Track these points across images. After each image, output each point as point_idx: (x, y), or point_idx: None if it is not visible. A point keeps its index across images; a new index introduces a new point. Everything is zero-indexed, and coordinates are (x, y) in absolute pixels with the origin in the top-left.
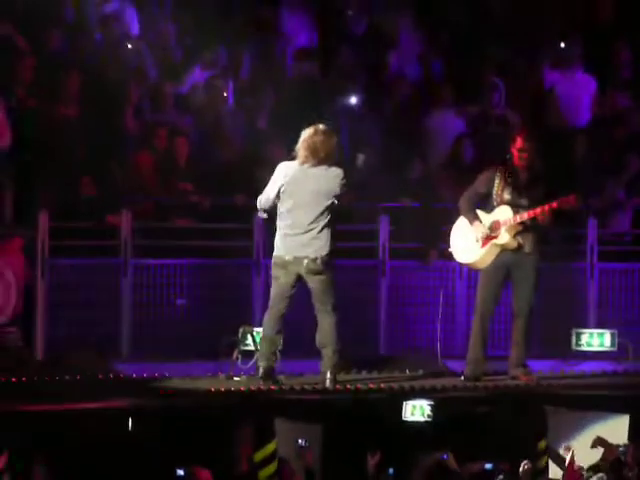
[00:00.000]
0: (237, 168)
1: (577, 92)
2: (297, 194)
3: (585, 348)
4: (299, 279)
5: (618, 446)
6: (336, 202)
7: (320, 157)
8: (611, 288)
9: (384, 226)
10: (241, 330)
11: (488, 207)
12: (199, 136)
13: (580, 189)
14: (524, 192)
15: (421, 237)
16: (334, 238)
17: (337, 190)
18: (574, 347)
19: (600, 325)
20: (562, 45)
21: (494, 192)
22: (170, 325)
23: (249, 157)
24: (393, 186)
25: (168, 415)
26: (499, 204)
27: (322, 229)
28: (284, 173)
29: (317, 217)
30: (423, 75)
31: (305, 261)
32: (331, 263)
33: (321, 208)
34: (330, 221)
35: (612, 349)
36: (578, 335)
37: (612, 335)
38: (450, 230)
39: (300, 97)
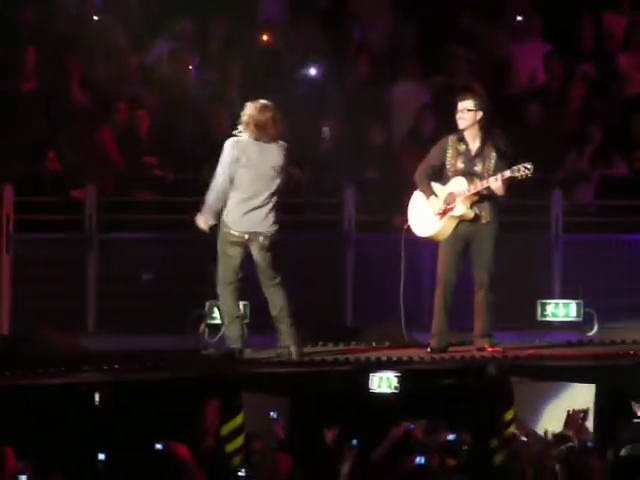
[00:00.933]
0: (202, 141)
1: (535, 63)
2: (257, 169)
3: (550, 319)
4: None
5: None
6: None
7: (272, 133)
8: (576, 259)
9: (349, 198)
10: (208, 304)
11: (444, 177)
12: (163, 109)
13: (540, 159)
14: (477, 160)
15: (386, 207)
16: (280, 213)
17: (284, 163)
18: (539, 318)
19: (565, 296)
20: (519, 18)
21: (447, 162)
22: (136, 299)
23: (214, 129)
24: (358, 158)
25: (134, 389)
26: (453, 174)
27: (274, 205)
28: (242, 149)
29: (272, 193)
30: (388, 46)
31: (260, 238)
32: (279, 238)
33: (275, 184)
34: (279, 197)
35: (578, 319)
36: (543, 306)
37: (577, 305)
38: (408, 204)
39: (265, 69)
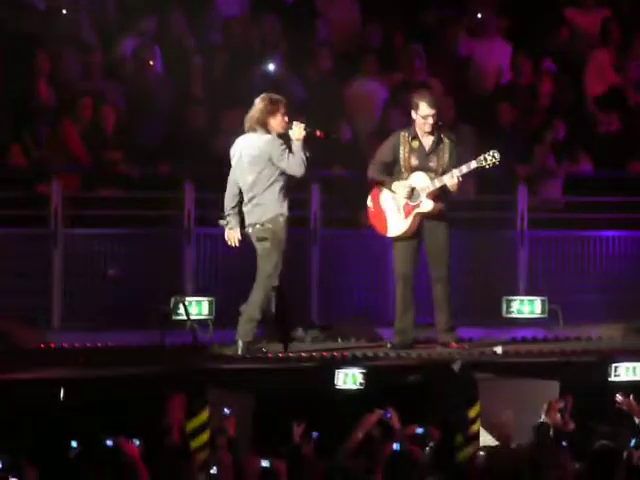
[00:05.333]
0: (167, 137)
1: (497, 60)
2: (241, 161)
3: (516, 315)
4: None
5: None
6: (280, 166)
7: (256, 124)
8: (541, 255)
9: (315, 194)
10: (173, 300)
11: (396, 174)
12: (128, 105)
13: (507, 155)
14: (431, 156)
15: (352, 204)
16: (279, 202)
17: (267, 153)
18: (505, 314)
19: (531, 292)
20: (479, 15)
21: (401, 158)
22: (101, 295)
23: (180, 125)
24: (323, 154)
25: (100, 385)
26: (407, 170)
27: (270, 195)
28: (235, 145)
29: (263, 183)
30: (351, 43)
31: (253, 229)
32: (276, 230)
33: (263, 174)
34: (271, 186)
35: (543, 316)
36: (508, 302)
37: (542, 302)
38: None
39: (228, 65)
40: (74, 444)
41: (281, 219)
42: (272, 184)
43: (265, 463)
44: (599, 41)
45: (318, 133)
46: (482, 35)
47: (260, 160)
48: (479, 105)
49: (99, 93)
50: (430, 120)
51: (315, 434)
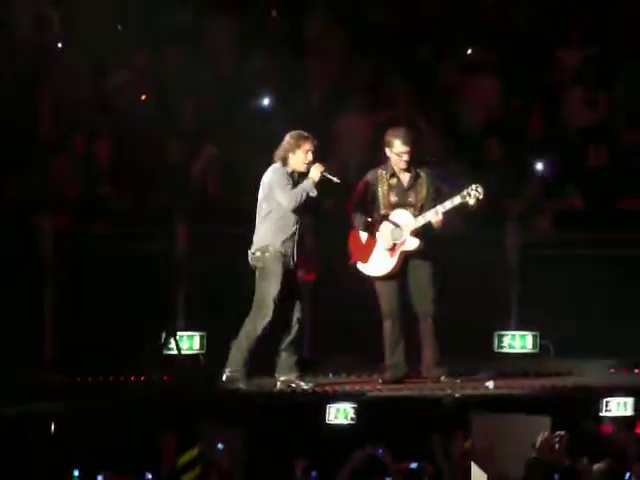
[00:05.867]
0: (157, 171)
1: (486, 95)
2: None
3: (507, 350)
4: None
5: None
6: (275, 196)
7: (275, 157)
8: (534, 291)
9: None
10: (164, 335)
11: (375, 211)
12: (120, 140)
13: (495, 190)
14: (410, 192)
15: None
16: (272, 234)
17: (268, 183)
18: (496, 349)
19: (522, 327)
20: (469, 51)
21: (380, 196)
22: (93, 333)
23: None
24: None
25: (93, 419)
26: (387, 207)
27: (258, 224)
28: None
29: (258, 211)
30: (340, 79)
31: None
32: (264, 260)
33: (263, 207)
34: (267, 216)
35: (534, 351)
36: (500, 337)
37: (534, 337)
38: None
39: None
40: (76, 473)
41: (271, 250)
42: (268, 214)
43: None
44: (575, 79)
45: (335, 180)
46: (472, 71)
47: (263, 188)
48: (468, 141)
49: (94, 127)
50: (404, 157)
51: (314, 473)
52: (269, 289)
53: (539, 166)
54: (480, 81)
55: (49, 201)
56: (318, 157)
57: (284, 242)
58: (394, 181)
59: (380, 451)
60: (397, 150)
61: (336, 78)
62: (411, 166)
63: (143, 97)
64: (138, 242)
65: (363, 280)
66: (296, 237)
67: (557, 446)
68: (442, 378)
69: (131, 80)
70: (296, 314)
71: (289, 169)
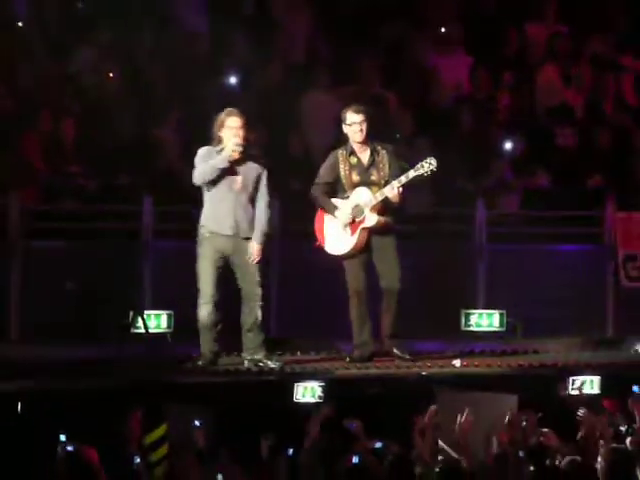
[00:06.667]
0: (125, 149)
1: (458, 72)
2: None
3: (474, 328)
4: None
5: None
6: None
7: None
8: (500, 269)
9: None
10: (132, 313)
11: (340, 192)
12: (86, 117)
13: (466, 168)
14: (371, 169)
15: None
16: (204, 215)
17: None
18: (463, 327)
19: (489, 306)
20: (443, 30)
21: (342, 176)
22: (60, 309)
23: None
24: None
25: (60, 397)
26: (350, 187)
27: None
28: None
29: None
30: (305, 56)
31: None
32: (198, 242)
33: None
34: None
35: (501, 329)
36: (467, 316)
37: (501, 315)
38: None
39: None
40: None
41: (201, 231)
42: (203, 196)
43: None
44: (548, 55)
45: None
46: (445, 48)
47: None
48: (438, 118)
49: (59, 105)
50: (357, 128)
51: (290, 451)
52: (200, 273)
53: (508, 144)
54: (454, 57)
55: (16, 181)
56: (248, 131)
57: (216, 221)
58: (354, 160)
59: (352, 425)
60: (349, 121)
61: (300, 54)
62: (369, 142)
63: (111, 74)
64: (106, 220)
65: (331, 260)
66: (235, 216)
67: (524, 424)
68: (394, 350)
69: (97, 57)
70: (252, 292)
71: (221, 147)
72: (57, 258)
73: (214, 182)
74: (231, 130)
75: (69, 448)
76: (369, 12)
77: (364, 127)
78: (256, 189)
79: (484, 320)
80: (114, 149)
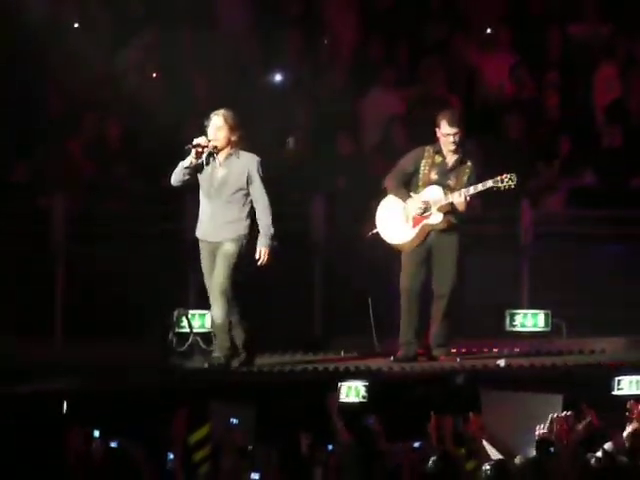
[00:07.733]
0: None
1: (503, 73)
2: None
3: (519, 329)
4: None
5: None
6: None
7: None
8: (545, 269)
9: (318, 208)
10: (176, 313)
11: (412, 186)
12: (131, 119)
13: (514, 170)
14: (451, 173)
15: (356, 218)
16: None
17: None
18: (508, 328)
19: (534, 306)
20: (489, 31)
21: (421, 171)
22: (105, 308)
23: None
24: (327, 168)
25: (106, 397)
26: (425, 184)
27: None
28: None
29: None
30: (357, 56)
31: None
32: None
33: None
34: None
35: (546, 329)
36: (512, 316)
37: (546, 315)
38: (376, 210)
39: (232, 78)
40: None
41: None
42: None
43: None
44: (604, 54)
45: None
46: (491, 48)
47: None
48: (485, 119)
49: (104, 106)
50: (451, 139)
51: (330, 447)
52: (205, 274)
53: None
54: (500, 58)
55: (61, 183)
56: (231, 132)
57: (200, 228)
58: (439, 159)
59: (370, 421)
60: (444, 131)
61: (356, 56)
62: (459, 149)
63: (154, 75)
64: (151, 222)
65: (379, 259)
66: (214, 222)
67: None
68: (440, 357)
69: (142, 58)
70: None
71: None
72: (101, 257)
73: (198, 187)
74: (210, 129)
75: (113, 444)
76: (416, 12)
77: (457, 139)
78: (245, 189)
79: (529, 320)
80: (158, 150)
